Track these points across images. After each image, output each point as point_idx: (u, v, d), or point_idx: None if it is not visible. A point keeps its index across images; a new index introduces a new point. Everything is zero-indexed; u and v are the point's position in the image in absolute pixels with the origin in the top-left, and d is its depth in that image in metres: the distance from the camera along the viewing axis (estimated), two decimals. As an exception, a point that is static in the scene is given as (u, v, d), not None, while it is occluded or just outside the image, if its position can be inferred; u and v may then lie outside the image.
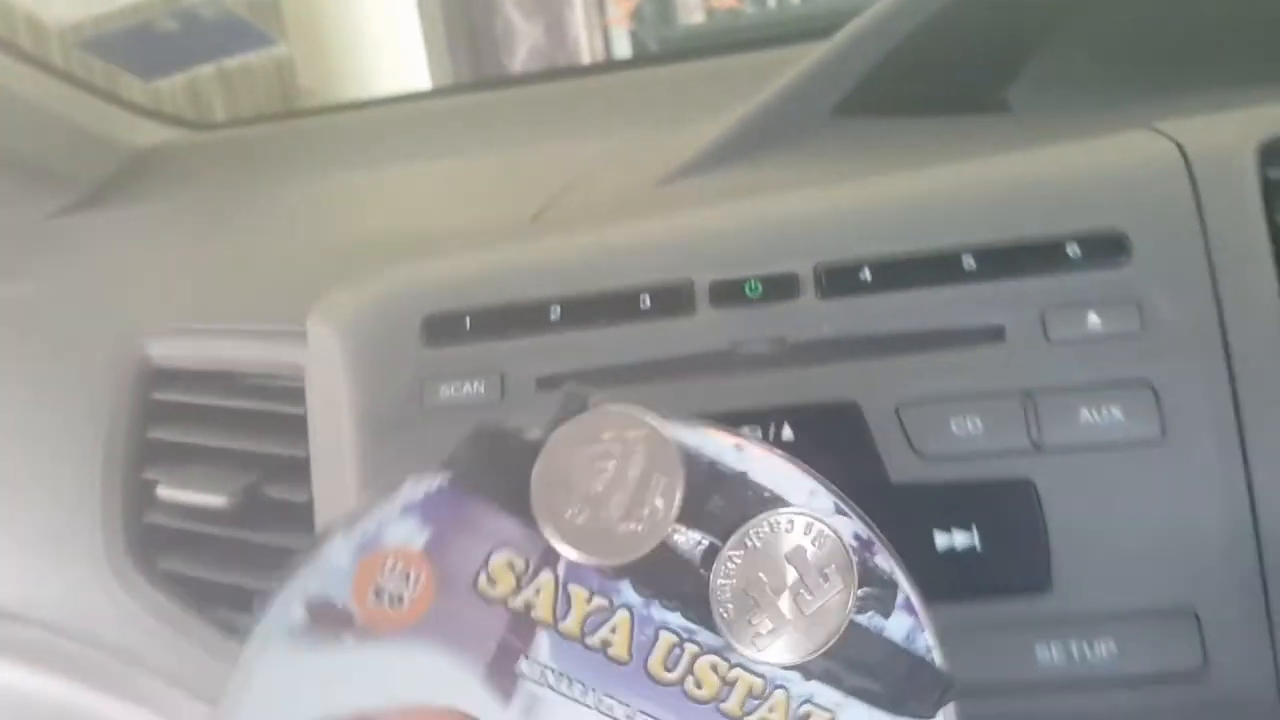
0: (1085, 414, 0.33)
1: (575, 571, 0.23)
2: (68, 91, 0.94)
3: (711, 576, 0.23)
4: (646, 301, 0.37)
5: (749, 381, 0.35)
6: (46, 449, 0.47)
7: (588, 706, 0.22)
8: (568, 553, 0.23)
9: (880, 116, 0.53)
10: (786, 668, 0.23)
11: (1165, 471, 0.33)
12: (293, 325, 0.45)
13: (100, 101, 0.98)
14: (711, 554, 0.23)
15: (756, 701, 0.23)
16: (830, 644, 0.22)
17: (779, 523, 0.23)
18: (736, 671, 0.23)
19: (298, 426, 0.43)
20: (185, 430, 0.46)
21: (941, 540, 0.33)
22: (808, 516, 0.23)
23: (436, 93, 1.09)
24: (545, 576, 0.23)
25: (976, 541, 0.33)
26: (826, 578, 0.23)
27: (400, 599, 0.23)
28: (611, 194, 0.52)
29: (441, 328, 0.38)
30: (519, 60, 2.67)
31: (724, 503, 0.23)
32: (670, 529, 0.23)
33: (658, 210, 0.45)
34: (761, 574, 0.23)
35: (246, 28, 0.91)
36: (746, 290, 0.36)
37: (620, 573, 0.23)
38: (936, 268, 0.35)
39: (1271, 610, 0.32)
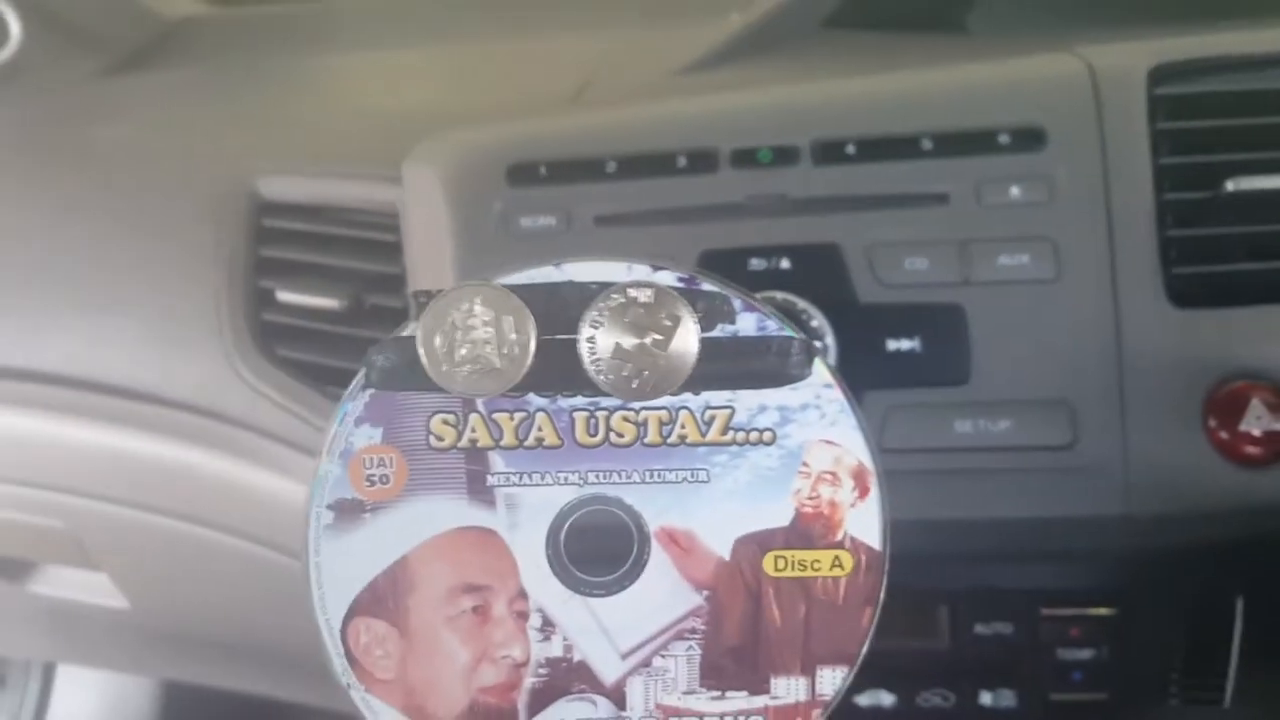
0: (1003, 259, 0.46)
1: (491, 404, 0.28)
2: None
3: (583, 360, 0.27)
4: (681, 161, 0.48)
5: (758, 225, 0.47)
6: (178, 263, 0.58)
7: (548, 484, 0.28)
8: (474, 395, 0.28)
9: (860, 30, 0.64)
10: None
11: (1057, 303, 0.45)
12: (382, 169, 0.56)
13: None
14: (575, 346, 0.27)
15: (669, 426, 0.27)
16: (696, 366, 0.27)
17: (612, 298, 0.27)
18: (644, 414, 0.27)
19: (390, 249, 0.54)
20: (292, 250, 0.57)
21: (892, 345, 0.45)
22: (629, 285, 0.27)
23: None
24: (473, 417, 0.28)
25: (918, 346, 0.45)
26: (667, 318, 0.27)
27: (386, 478, 0.29)
28: (637, 81, 0.63)
29: (522, 173, 0.49)
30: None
31: (565, 305, 0.28)
32: (533, 344, 0.27)
33: (681, 95, 0.57)
34: (618, 341, 0.27)
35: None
36: (759, 156, 0.48)
37: (521, 389, 0.28)
38: (903, 146, 0.47)
39: (1125, 404, 0.45)
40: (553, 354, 0.28)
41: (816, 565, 0.27)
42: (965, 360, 0.45)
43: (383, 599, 0.28)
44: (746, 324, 0.28)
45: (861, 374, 0.45)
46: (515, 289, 0.28)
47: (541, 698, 0.28)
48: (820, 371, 0.28)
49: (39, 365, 0.60)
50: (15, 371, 0.60)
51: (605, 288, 0.28)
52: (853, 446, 0.28)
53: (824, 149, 0.48)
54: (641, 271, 0.28)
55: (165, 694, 1.07)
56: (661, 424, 0.28)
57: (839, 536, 0.27)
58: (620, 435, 0.28)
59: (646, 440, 0.28)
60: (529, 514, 0.28)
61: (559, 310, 0.28)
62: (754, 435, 0.28)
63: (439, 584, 0.29)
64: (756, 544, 0.27)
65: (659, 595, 0.28)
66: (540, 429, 0.28)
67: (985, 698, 0.48)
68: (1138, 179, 0.46)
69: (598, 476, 0.28)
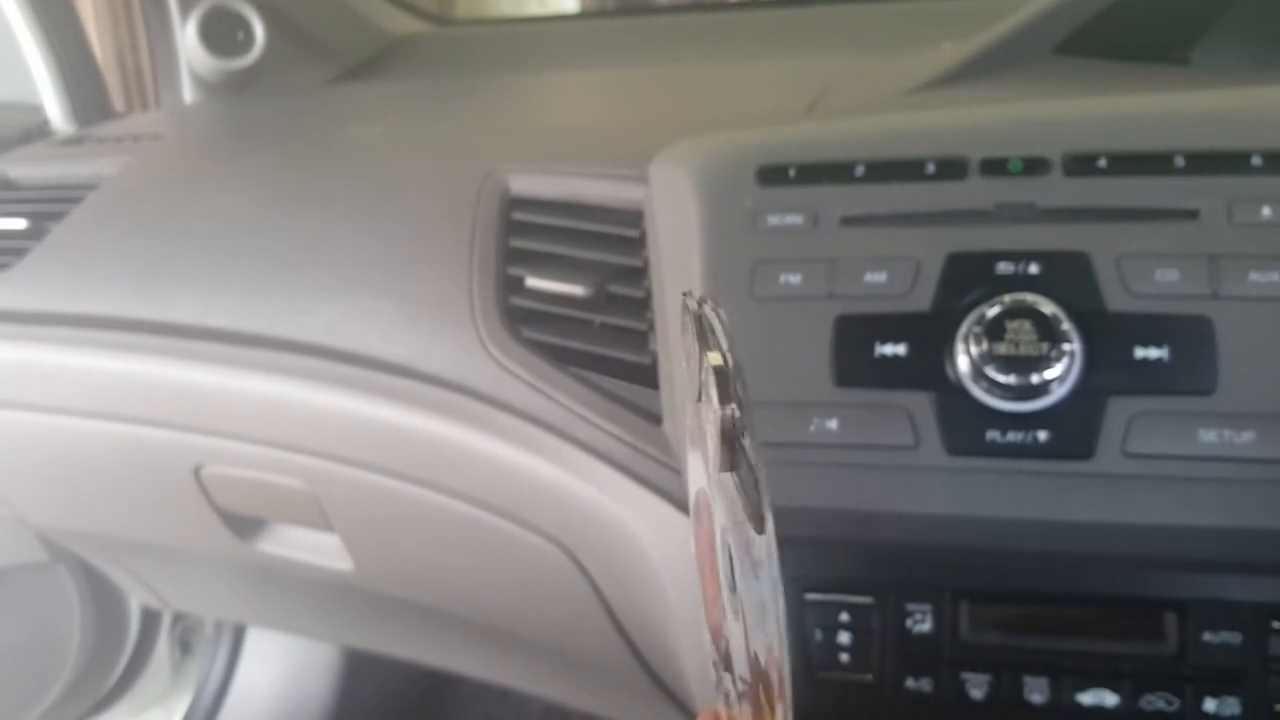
0: (1254, 276, 0.46)
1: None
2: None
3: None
4: (930, 168, 0.51)
5: (1006, 232, 0.49)
6: (432, 250, 0.63)
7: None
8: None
9: (1089, 58, 0.65)
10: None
11: (1308, 321, 0.46)
12: (625, 169, 0.60)
13: (368, -9, 1.13)
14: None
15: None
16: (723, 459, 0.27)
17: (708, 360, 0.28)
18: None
19: (631, 243, 0.58)
20: (539, 241, 0.61)
21: (1139, 353, 0.46)
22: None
23: (643, 10, 1.23)
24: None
25: (1166, 355, 0.46)
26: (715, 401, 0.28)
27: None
28: (868, 97, 0.65)
29: (771, 174, 0.52)
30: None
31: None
32: None
33: (916, 110, 0.59)
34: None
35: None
36: (1009, 166, 0.50)
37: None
38: (1155, 162, 0.48)
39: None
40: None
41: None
42: (1213, 371, 0.46)
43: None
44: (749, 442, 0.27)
45: (1108, 380, 0.46)
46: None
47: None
48: (770, 536, 0.26)
49: (300, 336, 0.65)
50: (278, 341, 0.66)
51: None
52: (779, 639, 0.27)
53: (1075, 161, 0.49)
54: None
55: (345, 665, 1.13)
56: None
57: None
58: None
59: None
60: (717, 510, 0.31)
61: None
62: (750, 560, 0.27)
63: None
64: (756, 667, 0.28)
65: (740, 647, 0.29)
66: None
67: (1210, 704, 0.48)
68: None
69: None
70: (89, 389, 0.73)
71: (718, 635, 0.33)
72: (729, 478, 0.27)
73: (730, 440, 0.27)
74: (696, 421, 0.32)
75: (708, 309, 0.30)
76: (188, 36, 0.97)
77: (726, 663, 0.32)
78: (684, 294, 0.32)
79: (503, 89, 0.86)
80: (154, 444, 0.73)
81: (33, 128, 1.01)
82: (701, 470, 0.32)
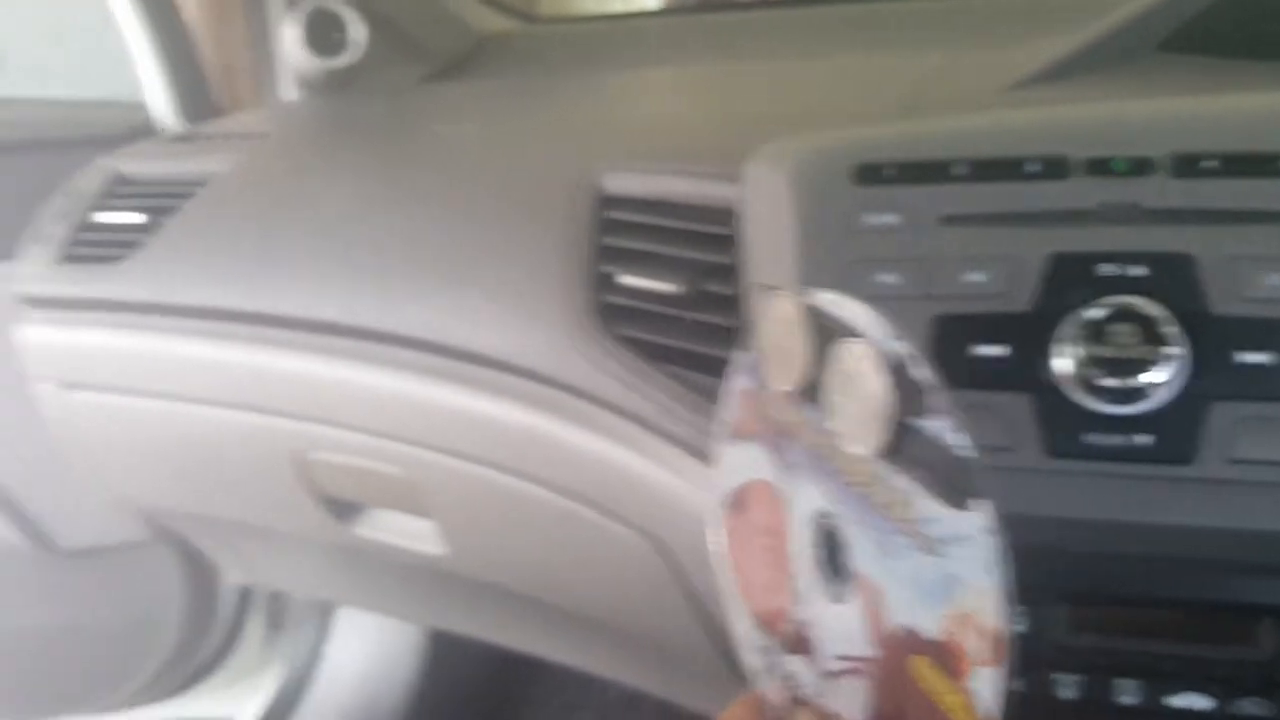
0: (1366, 281, 0.45)
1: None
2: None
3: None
4: (1031, 167, 0.50)
5: (1110, 232, 0.48)
6: (527, 247, 0.65)
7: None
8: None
9: (1195, 55, 0.64)
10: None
11: None
12: (718, 168, 0.60)
13: (459, -12, 1.15)
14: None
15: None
16: (881, 442, 0.28)
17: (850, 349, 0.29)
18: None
19: (724, 241, 0.59)
20: (632, 239, 0.62)
21: (1247, 357, 0.45)
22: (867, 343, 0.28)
23: (740, 5, 1.23)
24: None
25: (1274, 360, 0.45)
26: (872, 386, 0.28)
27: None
28: (966, 95, 0.65)
29: (868, 173, 0.53)
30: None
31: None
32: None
33: (1019, 107, 0.58)
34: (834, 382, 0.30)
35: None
36: (1113, 166, 0.49)
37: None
38: (1265, 163, 0.48)
39: None
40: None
41: (945, 701, 0.28)
42: (1321, 377, 0.45)
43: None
44: (936, 424, 0.28)
45: (1213, 385, 0.45)
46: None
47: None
48: (986, 512, 0.27)
49: (401, 330, 0.67)
50: (381, 334, 0.68)
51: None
52: (992, 609, 0.27)
53: (1182, 162, 0.48)
54: (878, 334, 0.29)
55: (431, 648, 1.16)
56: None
57: (966, 686, 0.28)
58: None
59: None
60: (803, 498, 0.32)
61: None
62: (920, 537, 0.28)
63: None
64: (910, 641, 0.29)
65: (855, 628, 0.30)
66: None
67: (1305, 711, 0.47)
68: None
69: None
70: (199, 376, 0.77)
71: (776, 620, 0.34)
72: (869, 462, 0.28)
73: (897, 421, 0.28)
74: (752, 413, 0.33)
75: (828, 298, 0.31)
76: (289, 37, 1.00)
77: (794, 646, 0.33)
78: (765, 285, 0.34)
79: (593, 87, 0.87)
80: (260, 429, 0.76)
81: (138, 125, 1.05)
82: (758, 461, 0.33)
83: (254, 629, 1.22)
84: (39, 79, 1.35)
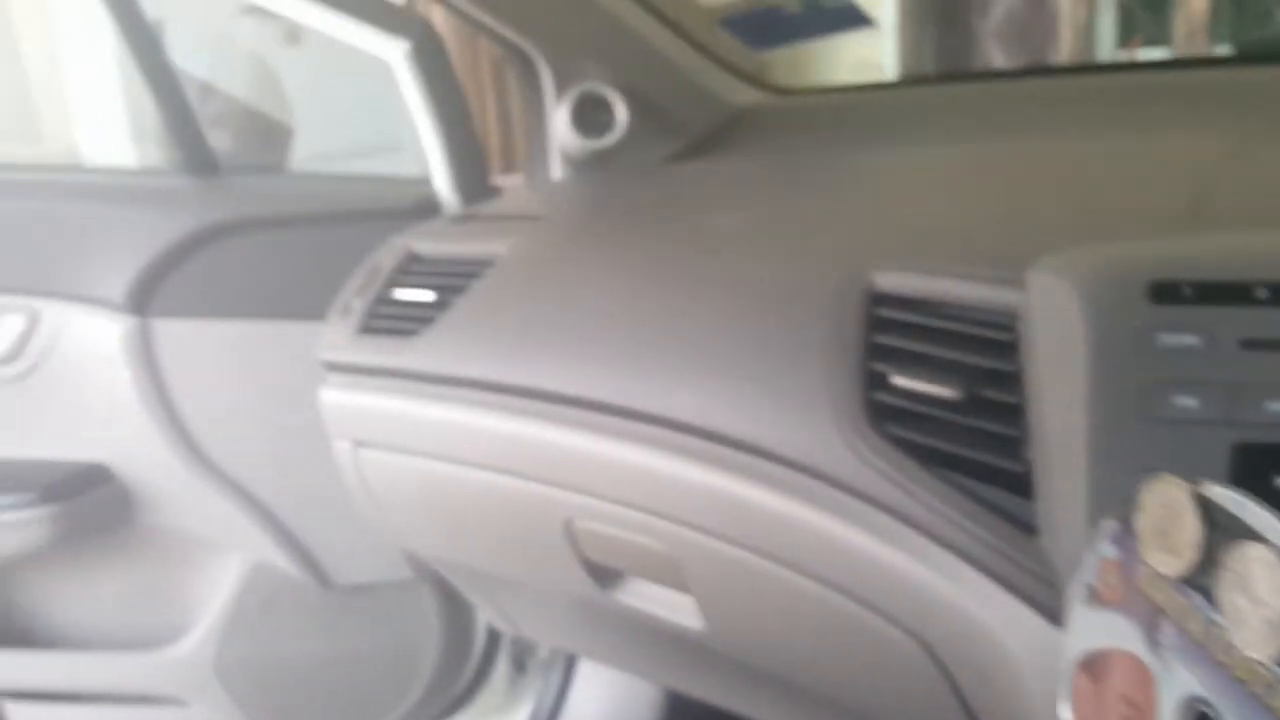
0: None
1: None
2: (691, 52, 1.16)
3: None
4: (1351, 294, 0.48)
5: None
6: (794, 339, 0.67)
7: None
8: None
9: None
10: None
11: None
12: (997, 271, 0.61)
13: (712, 63, 1.19)
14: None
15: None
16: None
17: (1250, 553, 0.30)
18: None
19: (1004, 347, 0.59)
20: (905, 339, 0.63)
21: None
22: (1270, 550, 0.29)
23: (1019, 73, 1.21)
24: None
25: None
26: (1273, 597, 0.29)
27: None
28: (1260, 193, 0.63)
29: (1165, 292, 0.52)
30: (993, 24, 2.70)
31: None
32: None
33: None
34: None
35: (854, 12, 1.08)
36: None
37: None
38: None
39: None
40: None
41: None
42: None
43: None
44: None
45: None
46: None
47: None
48: None
49: (668, 412, 0.71)
50: (650, 416, 0.72)
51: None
52: None
53: None
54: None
55: (669, 708, 1.19)
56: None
57: None
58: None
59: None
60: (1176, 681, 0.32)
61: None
62: None
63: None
64: None
65: None
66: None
67: None
68: None
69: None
70: (480, 443, 0.83)
71: None
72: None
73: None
74: (1119, 585, 0.34)
75: (1226, 494, 0.31)
76: (560, 119, 1.08)
77: None
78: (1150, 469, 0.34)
79: (855, 170, 0.89)
80: (531, 496, 0.82)
81: (423, 200, 1.15)
82: (1124, 632, 0.33)
83: (501, 668, 1.29)
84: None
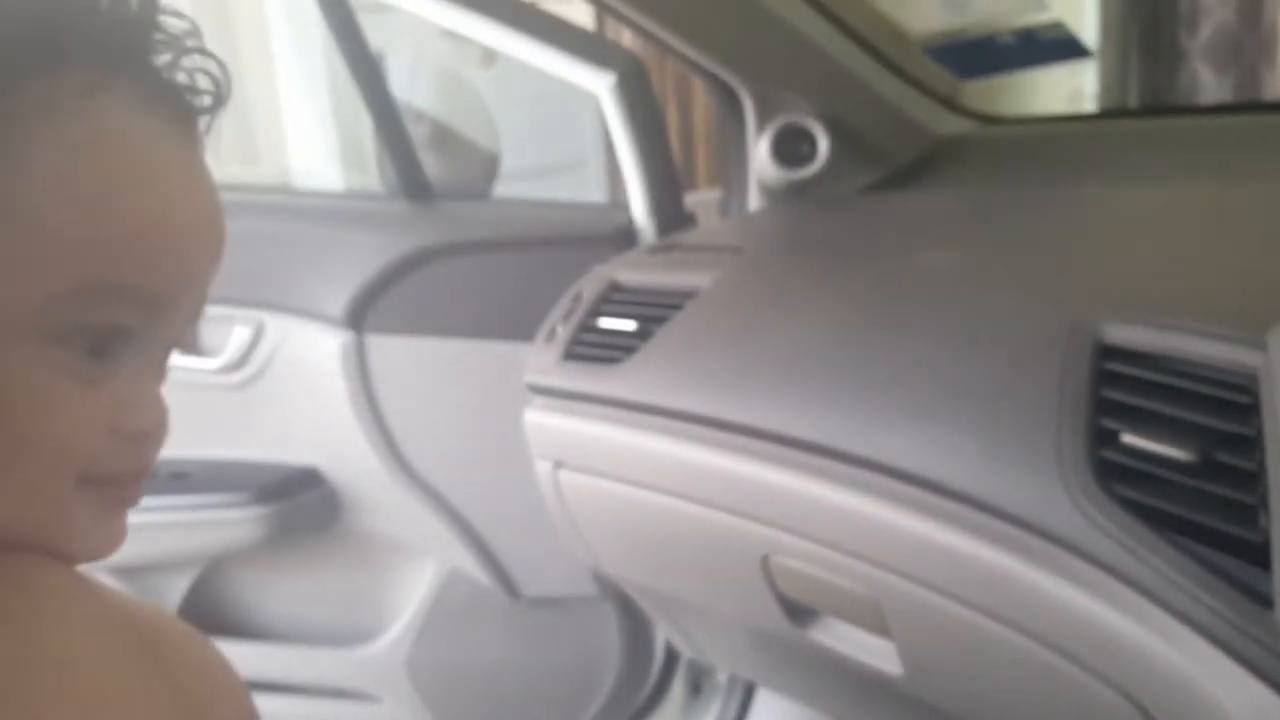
0: None
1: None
2: (895, 80, 1.15)
3: None
4: None
5: None
6: (1015, 388, 0.65)
7: None
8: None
9: None
10: None
11: None
12: (1233, 329, 0.58)
13: (917, 91, 1.17)
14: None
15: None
16: None
17: None
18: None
19: (1243, 410, 0.56)
20: (1135, 395, 0.61)
21: None
22: None
23: (1230, 108, 1.15)
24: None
25: None
26: None
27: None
28: None
29: None
30: (1201, 41, 2.56)
31: None
32: None
33: None
34: None
35: (1071, 42, 1.05)
36: None
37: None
38: None
39: None
40: None
41: None
42: None
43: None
44: None
45: None
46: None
47: None
48: None
49: (876, 456, 0.71)
50: (854, 458, 0.72)
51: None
52: None
53: None
54: None
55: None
56: None
57: None
58: None
59: None
60: None
61: None
62: None
63: None
64: None
65: None
66: None
67: None
68: None
69: None
70: (678, 473, 0.85)
71: None
72: None
73: None
74: None
75: None
76: (760, 150, 1.09)
77: None
78: None
79: (1068, 208, 0.86)
80: (729, 528, 0.83)
81: (621, 226, 1.18)
82: None
83: (677, 690, 1.31)
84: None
